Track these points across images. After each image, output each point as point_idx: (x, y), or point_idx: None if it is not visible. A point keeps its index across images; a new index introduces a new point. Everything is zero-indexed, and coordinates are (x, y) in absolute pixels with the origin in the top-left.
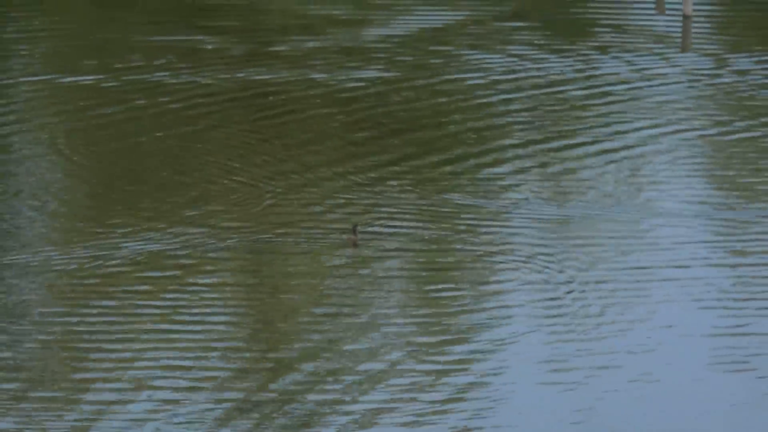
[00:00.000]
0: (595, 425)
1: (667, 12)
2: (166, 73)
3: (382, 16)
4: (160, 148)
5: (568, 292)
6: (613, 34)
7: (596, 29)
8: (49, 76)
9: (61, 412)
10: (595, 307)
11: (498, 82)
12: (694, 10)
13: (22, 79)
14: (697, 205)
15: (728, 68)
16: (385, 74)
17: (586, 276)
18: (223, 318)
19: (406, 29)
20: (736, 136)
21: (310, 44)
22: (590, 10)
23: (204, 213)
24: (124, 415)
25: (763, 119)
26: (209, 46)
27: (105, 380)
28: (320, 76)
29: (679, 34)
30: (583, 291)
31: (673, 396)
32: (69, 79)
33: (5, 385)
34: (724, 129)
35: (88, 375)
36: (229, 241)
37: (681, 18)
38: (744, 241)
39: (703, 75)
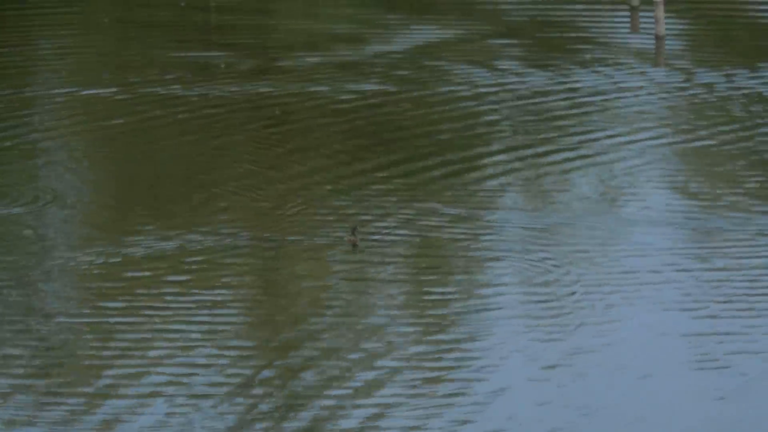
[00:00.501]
0: (585, 417)
1: (642, 31)
2: (181, 87)
3: (380, 34)
4: (174, 156)
5: (557, 293)
6: (592, 51)
7: (576, 46)
8: (73, 89)
9: (82, 387)
10: (583, 309)
11: (485, 94)
12: (667, 31)
13: (48, 92)
14: (670, 212)
15: (697, 82)
16: (383, 87)
17: (572, 279)
18: (231, 317)
19: (402, 45)
20: (707, 146)
21: (314, 59)
22: (571, 30)
23: (215, 217)
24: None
25: (732, 130)
26: (221, 63)
27: (121, 370)
28: (323, 89)
29: (653, 52)
30: (571, 294)
31: (656, 390)
32: (92, 92)
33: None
34: (696, 139)
35: (108, 371)
36: (239, 242)
37: (654, 37)
38: (714, 246)
39: (674, 88)
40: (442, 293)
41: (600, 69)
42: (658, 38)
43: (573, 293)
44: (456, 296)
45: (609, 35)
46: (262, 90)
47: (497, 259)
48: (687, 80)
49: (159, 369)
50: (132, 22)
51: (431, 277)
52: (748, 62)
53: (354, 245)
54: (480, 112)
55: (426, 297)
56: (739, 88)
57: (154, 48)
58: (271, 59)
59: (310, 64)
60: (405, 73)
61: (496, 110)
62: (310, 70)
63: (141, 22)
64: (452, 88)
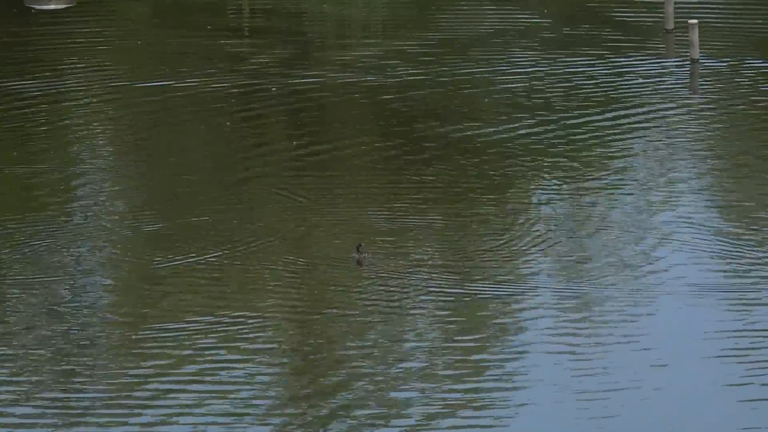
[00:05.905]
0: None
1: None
2: (215, 79)
3: (416, 21)
4: (204, 151)
5: (582, 327)
6: (632, 85)
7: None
8: (108, 82)
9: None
10: (607, 345)
11: (526, 106)
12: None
13: (87, 84)
14: (712, 277)
15: (734, 107)
16: (419, 79)
17: (598, 315)
18: (255, 331)
19: (444, 35)
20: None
21: (351, 48)
22: (604, 54)
23: (242, 222)
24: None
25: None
26: (255, 51)
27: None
28: (361, 78)
29: (688, 76)
30: (596, 329)
31: None
32: (127, 84)
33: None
34: (734, 184)
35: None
36: (258, 250)
37: (690, 61)
38: (748, 306)
39: (709, 114)
40: (470, 321)
41: (636, 91)
42: (693, 62)
43: (602, 327)
44: (488, 323)
45: (643, 63)
46: (295, 80)
47: (529, 286)
48: (722, 104)
49: (185, 418)
50: (169, 11)
51: (458, 303)
52: None
53: (359, 263)
54: (522, 123)
55: (452, 323)
56: None
57: (190, 36)
58: (306, 47)
59: (348, 53)
60: (445, 63)
61: (538, 121)
62: (344, 61)
63: (179, 11)
64: (489, 94)
